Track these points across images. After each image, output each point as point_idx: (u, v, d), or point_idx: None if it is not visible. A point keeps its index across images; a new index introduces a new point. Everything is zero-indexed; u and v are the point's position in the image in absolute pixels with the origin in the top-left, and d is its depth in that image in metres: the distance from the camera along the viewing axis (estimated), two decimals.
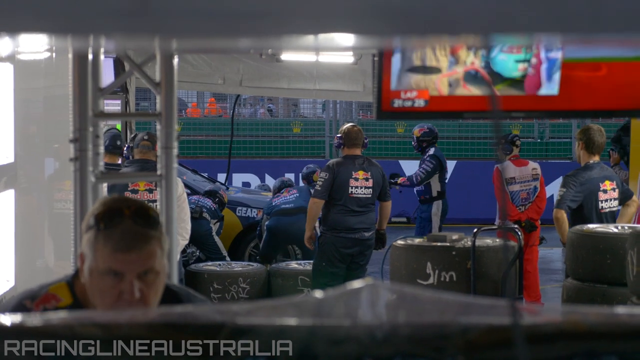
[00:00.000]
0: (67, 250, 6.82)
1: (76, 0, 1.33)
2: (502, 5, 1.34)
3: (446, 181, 11.88)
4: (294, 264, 10.01)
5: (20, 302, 2.73)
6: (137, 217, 2.59)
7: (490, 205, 12.87)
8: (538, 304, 10.44)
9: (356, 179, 9.12)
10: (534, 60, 3.73)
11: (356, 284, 1.98)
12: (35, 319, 1.98)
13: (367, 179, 9.14)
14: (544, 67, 3.74)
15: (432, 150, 11.77)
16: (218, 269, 9.67)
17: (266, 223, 11.16)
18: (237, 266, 9.89)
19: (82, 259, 2.65)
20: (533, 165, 10.98)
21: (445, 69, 3.76)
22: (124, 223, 2.58)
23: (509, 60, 3.76)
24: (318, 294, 2.01)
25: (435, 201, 11.65)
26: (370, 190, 9.15)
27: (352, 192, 9.09)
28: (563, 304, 7.48)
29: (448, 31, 1.35)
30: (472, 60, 3.74)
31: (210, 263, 10.11)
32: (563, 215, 8.05)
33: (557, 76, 3.80)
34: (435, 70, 3.80)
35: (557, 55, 3.68)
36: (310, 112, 26.54)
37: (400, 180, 11.80)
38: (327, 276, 8.97)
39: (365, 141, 9.45)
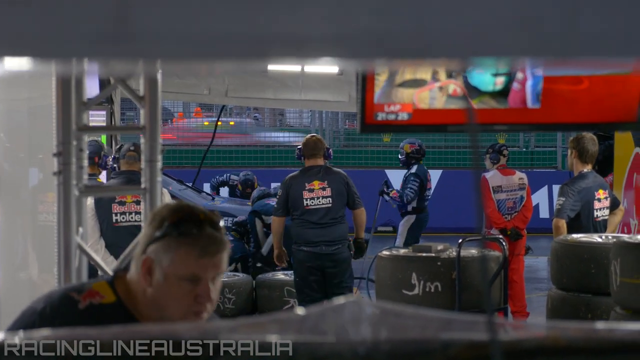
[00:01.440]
0: (51, 262, 6.82)
1: (57, 24, 1.34)
2: (480, 28, 1.35)
3: (428, 197, 11.92)
4: (280, 275, 10.00)
5: (66, 294, 2.78)
6: (210, 222, 2.69)
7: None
8: (523, 313, 10.47)
9: (310, 190, 8.85)
10: (519, 76, 3.76)
11: (338, 300, 1.99)
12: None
13: (323, 189, 8.85)
14: (529, 83, 3.76)
15: (414, 169, 11.80)
16: None
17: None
18: (223, 277, 9.87)
19: (149, 265, 2.70)
20: (520, 175, 11.06)
21: (427, 83, 3.78)
22: (204, 229, 2.67)
23: (485, 75, 3.78)
24: (300, 310, 2.02)
25: (408, 215, 11.78)
26: (330, 199, 8.83)
27: (307, 204, 8.84)
28: (547, 314, 7.50)
29: (427, 55, 1.36)
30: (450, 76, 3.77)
31: None
32: (564, 225, 8.09)
33: (539, 90, 3.83)
34: (420, 82, 3.82)
35: (540, 72, 3.70)
36: (297, 122, 26.55)
37: (392, 193, 11.82)
38: (303, 292, 8.83)
39: (329, 151, 9.24)
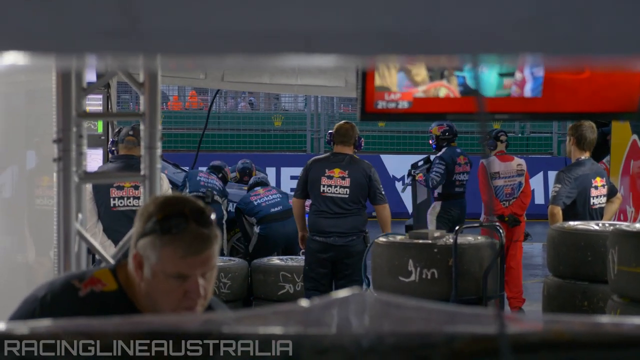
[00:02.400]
0: (48, 246, 6.82)
1: (64, 20, 1.33)
2: (490, 26, 1.35)
3: (459, 183, 11.32)
4: (275, 260, 10.01)
5: (68, 281, 2.78)
6: (197, 217, 2.65)
7: (476, 200, 12.78)
8: (519, 299, 10.49)
9: (330, 177, 8.64)
10: (518, 75, 3.76)
11: (342, 293, 1.99)
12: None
13: (343, 178, 8.62)
14: (527, 71, 3.76)
15: (442, 151, 11.37)
16: None
17: (256, 229, 11.04)
18: (219, 261, 9.88)
19: (139, 260, 2.69)
20: (518, 161, 10.97)
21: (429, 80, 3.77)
22: (189, 227, 2.63)
23: (490, 75, 3.78)
24: (304, 302, 2.02)
25: (436, 201, 11.37)
26: (347, 190, 8.61)
27: (324, 190, 8.63)
28: (543, 302, 7.52)
29: (435, 51, 1.36)
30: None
31: None
32: (559, 212, 8.10)
33: (540, 79, 3.83)
34: (416, 84, 3.81)
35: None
36: (292, 106, 26.54)
37: (418, 177, 11.57)
38: (310, 280, 8.70)
39: (360, 140, 9.04)
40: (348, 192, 8.62)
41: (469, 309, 1.94)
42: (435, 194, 11.35)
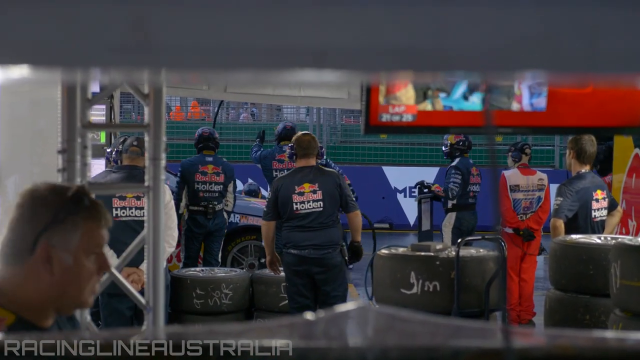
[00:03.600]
0: None
1: (80, 34, 1.34)
2: (500, 43, 1.36)
3: (472, 194, 11.32)
4: None
5: None
6: (85, 192, 2.71)
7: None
8: (530, 313, 10.45)
9: (300, 194, 8.33)
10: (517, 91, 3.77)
11: (347, 306, 1.99)
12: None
13: (314, 192, 8.33)
14: (525, 86, 3.76)
15: (456, 161, 11.27)
16: (201, 275, 9.67)
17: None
18: (220, 272, 9.88)
19: (47, 254, 2.60)
20: (540, 176, 10.72)
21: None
22: (92, 200, 2.69)
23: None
24: (309, 315, 2.02)
25: (449, 213, 11.29)
26: (321, 202, 8.33)
27: (297, 208, 8.34)
28: (545, 315, 7.51)
29: (445, 68, 1.37)
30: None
31: (193, 269, 10.11)
32: (562, 225, 8.11)
33: (537, 94, 3.83)
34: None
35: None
36: (294, 117, 26.56)
37: (435, 187, 11.44)
38: (292, 299, 8.47)
39: (322, 150, 8.84)
40: (322, 205, 8.37)
41: (475, 323, 1.95)
42: (450, 205, 11.24)
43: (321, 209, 8.35)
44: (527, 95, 3.89)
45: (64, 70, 1.39)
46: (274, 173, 11.35)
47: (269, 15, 1.37)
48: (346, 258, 8.57)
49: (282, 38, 1.35)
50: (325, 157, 9.01)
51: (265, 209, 8.62)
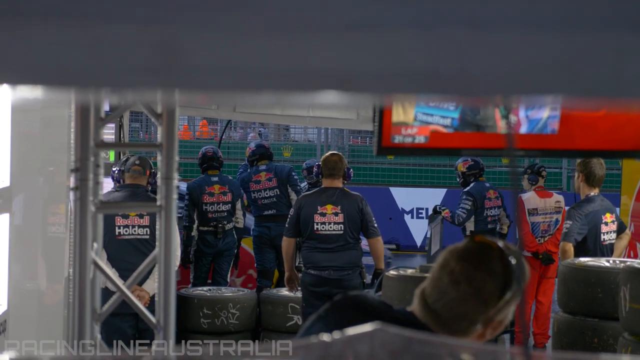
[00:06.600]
0: (60, 273, 6.82)
1: (103, 55, 1.35)
2: (522, 68, 1.37)
3: (491, 219, 11.06)
4: (284, 291, 10.01)
5: None
6: None
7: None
8: (545, 336, 10.36)
9: (322, 214, 8.35)
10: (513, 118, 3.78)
11: (364, 328, 2.00)
12: None
13: (336, 214, 8.33)
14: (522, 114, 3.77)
15: (470, 186, 11.05)
16: (208, 294, 9.66)
17: (252, 232, 11.36)
18: (227, 292, 9.88)
19: None
20: (557, 198, 10.58)
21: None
22: None
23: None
24: (326, 336, 2.03)
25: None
26: (342, 226, 8.34)
27: (317, 228, 8.35)
28: (553, 338, 7.49)
29: (468, 92, 1.38)
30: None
31: (200, 288, 10.11)
32: (571, 248, 8.11)
33: (535, 121, 3.84)
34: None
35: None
36: (301, 137, 26.58)
37: (444, 213, 11.36)
38: (308, 318, 8.37)
39: (349, 171, 8.77)
40: (342, 228, 8.37)
41: (491, 346, 1.95)
42: (468, 232, 10.99)
43: (341, 232, 8.36)
44: (525, 123, 3.89)
45: (89, 91, 1.40)
46: (252, 195, 11.37)
47: (294, 39, 1.38)
48: (364, 281, 8.49)
49: (307, 62, 1.36)
50: (351, 179, 8.86)
51: (287, 225, 8.62)
